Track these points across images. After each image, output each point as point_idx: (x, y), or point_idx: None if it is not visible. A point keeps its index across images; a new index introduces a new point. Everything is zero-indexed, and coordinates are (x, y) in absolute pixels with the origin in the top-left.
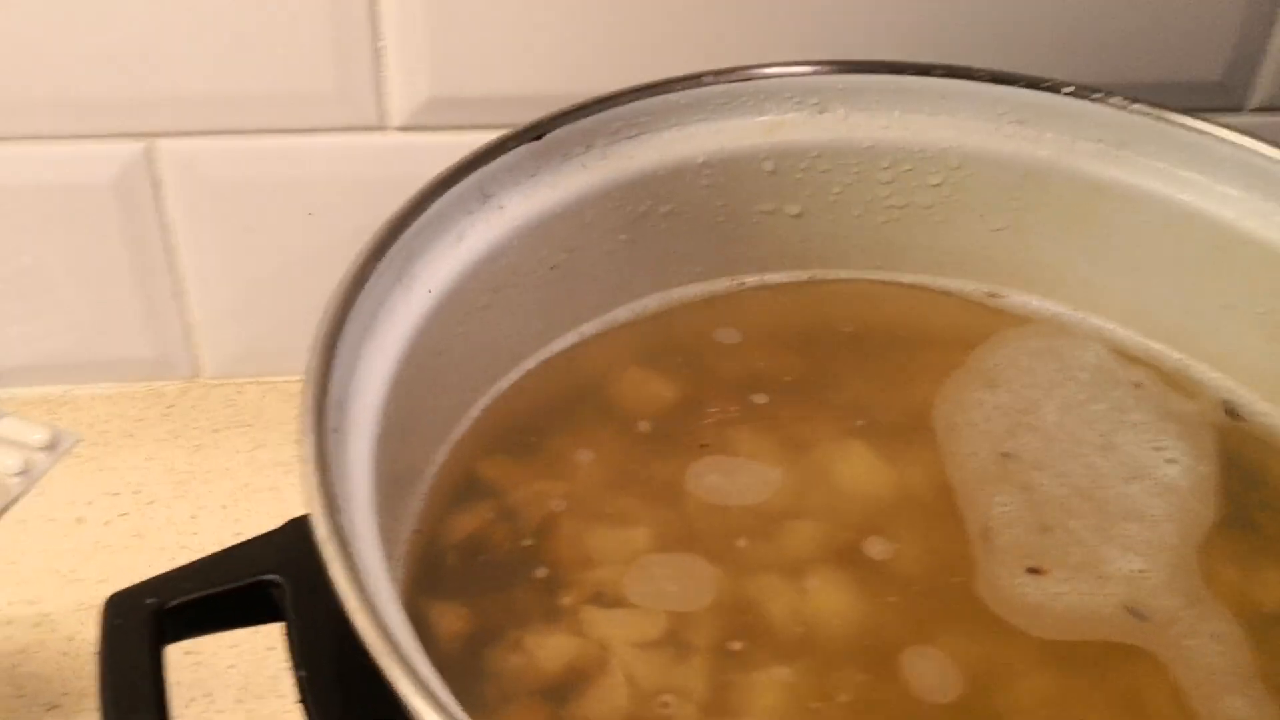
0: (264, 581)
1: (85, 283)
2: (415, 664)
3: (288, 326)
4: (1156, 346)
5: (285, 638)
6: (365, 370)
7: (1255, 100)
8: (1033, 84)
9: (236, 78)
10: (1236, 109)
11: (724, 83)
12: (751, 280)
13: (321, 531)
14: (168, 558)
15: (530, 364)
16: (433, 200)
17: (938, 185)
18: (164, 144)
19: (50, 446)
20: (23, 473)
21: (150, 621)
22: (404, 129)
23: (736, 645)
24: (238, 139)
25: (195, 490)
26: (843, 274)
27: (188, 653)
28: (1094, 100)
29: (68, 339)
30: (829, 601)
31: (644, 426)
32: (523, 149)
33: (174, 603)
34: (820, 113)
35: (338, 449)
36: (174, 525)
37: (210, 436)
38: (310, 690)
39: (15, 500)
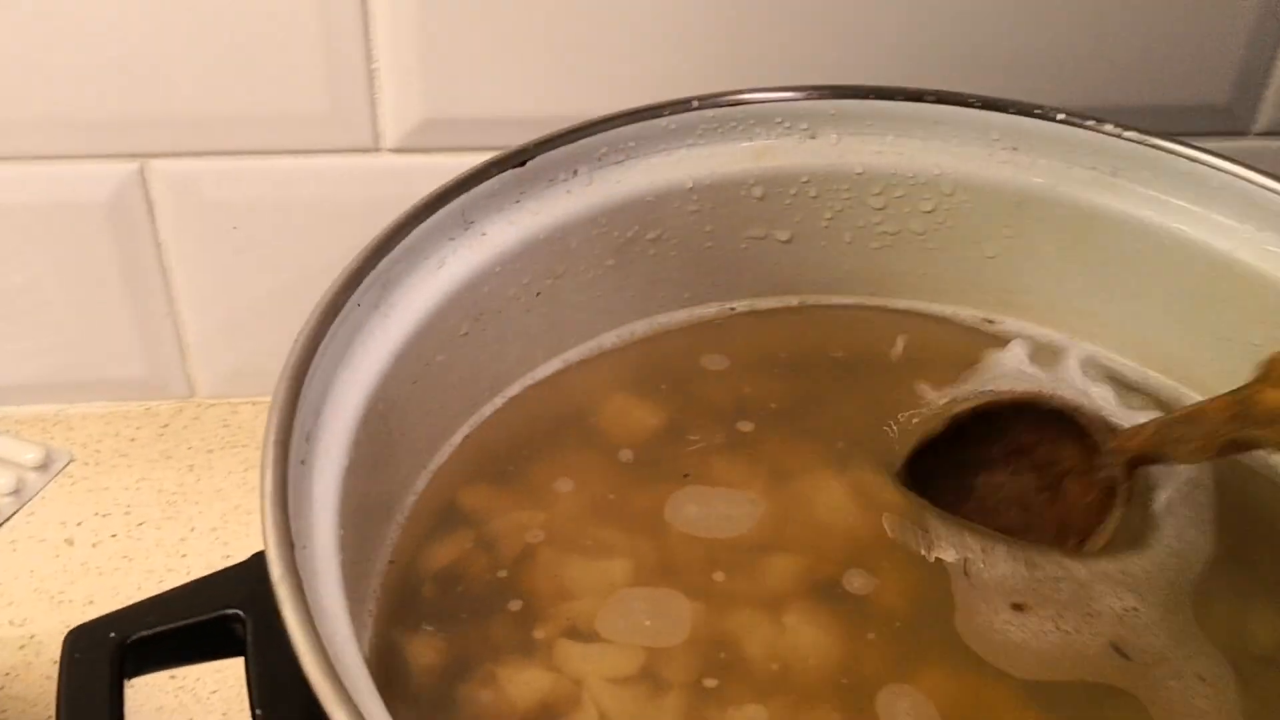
0: (226, 616)
1: (79, 302)
2: (366, 711)
3: (282, 347)
4: (1154, 375)
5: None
6: (337, 400)
7: (1260, 124)
8: (1025, 111)
9: (230, 98)
10: (1241, 133)
11: (712, 107)
12: (741, 306)
13: (276, 571)
14: (155, 580)
15: (513, 391)
16: (413, 227)
17: (931, 212)
18: (158, 164)
19: (43, 466)
20: (14, 492)
21: (112, 655)
22: (398, 150)
23: (711, 682)
24: (231, 160)
25: (186, 512)
26: (834, 300)
27: (171, 677)
28: (1087, 128)
29: (61, 358)
30: (806, 637)
31: (626, 455)
32: (507, 175)
33: (135, 636)
34: (811, 138)
35: (303, 482)
36: (163, 548)
37: (203, 457)
38: None
39: (6, 520)
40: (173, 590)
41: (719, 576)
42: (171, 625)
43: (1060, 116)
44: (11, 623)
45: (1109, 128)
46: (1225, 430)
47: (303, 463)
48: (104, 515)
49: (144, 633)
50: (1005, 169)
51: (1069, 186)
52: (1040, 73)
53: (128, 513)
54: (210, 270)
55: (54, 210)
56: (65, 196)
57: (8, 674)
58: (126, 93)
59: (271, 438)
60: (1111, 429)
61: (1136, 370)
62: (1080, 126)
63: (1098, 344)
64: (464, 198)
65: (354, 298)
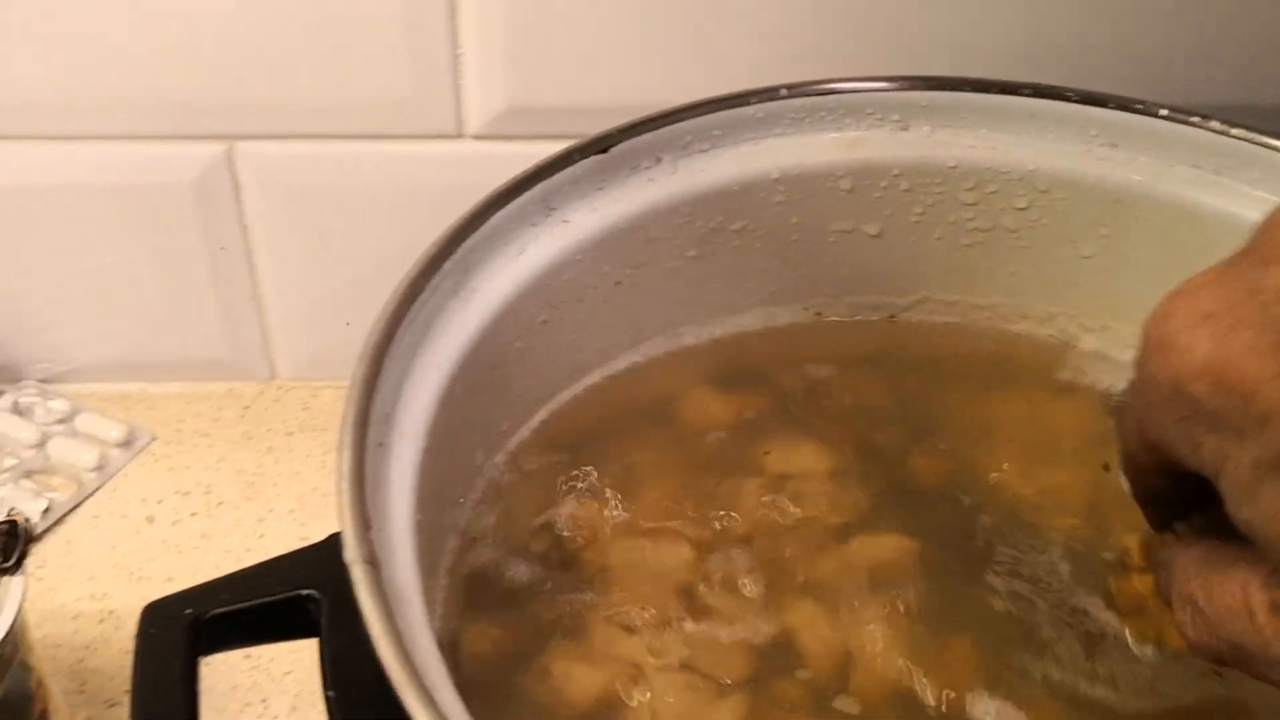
0: (301, 596)
1: (165, 283)
2: (439, 697)
3: (362, 332)
4: None
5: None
6: (415, 383)
7: None
8: (1126, 105)
9: (315, 83)
10: None
11: (801, 96)
12: (827, 302)
13: (351, 551)
14: (233, 560)
15: (590, 381)
16: (493, 212)
17: (1024, 209)
18: (244, 147)
19: (126, 443)
20: (98, 468)
21: (186, 631)
22: (480, 137)
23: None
24: (315, 143)
25: (265, 493)
26: (922, 297)
27: (246, 656)
28: (1191, 124)
29: (147, 338)
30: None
31: (702, 448)
32: (589, 161)
33: (211, 613)
34: (902, 129)
35: (380, 464)
36: (241, 528)
37: (283, 439)
38: (338, 712)
39: (90, 495)
40: (248, 569)
41: (799, 576)
42: (246, 603)
43: (1163, 112)
44: (92, 596)
45: (1214, 124)
46: None
47: (380, 445)
48: (184, 494)
49: (219, 610)
50: (1103, 166)
51: (1170, 185)
52: (1139, 67)
53: (208, 492)
54: (293, 254)
55: (142, 191)
56: (153, 178)
57: (88, 647)
58: (214, 75)
59: (350, 418)
60: None
61: None
62: (1184, 123)
63: None
64: (546, 183)
65: (434, 281)
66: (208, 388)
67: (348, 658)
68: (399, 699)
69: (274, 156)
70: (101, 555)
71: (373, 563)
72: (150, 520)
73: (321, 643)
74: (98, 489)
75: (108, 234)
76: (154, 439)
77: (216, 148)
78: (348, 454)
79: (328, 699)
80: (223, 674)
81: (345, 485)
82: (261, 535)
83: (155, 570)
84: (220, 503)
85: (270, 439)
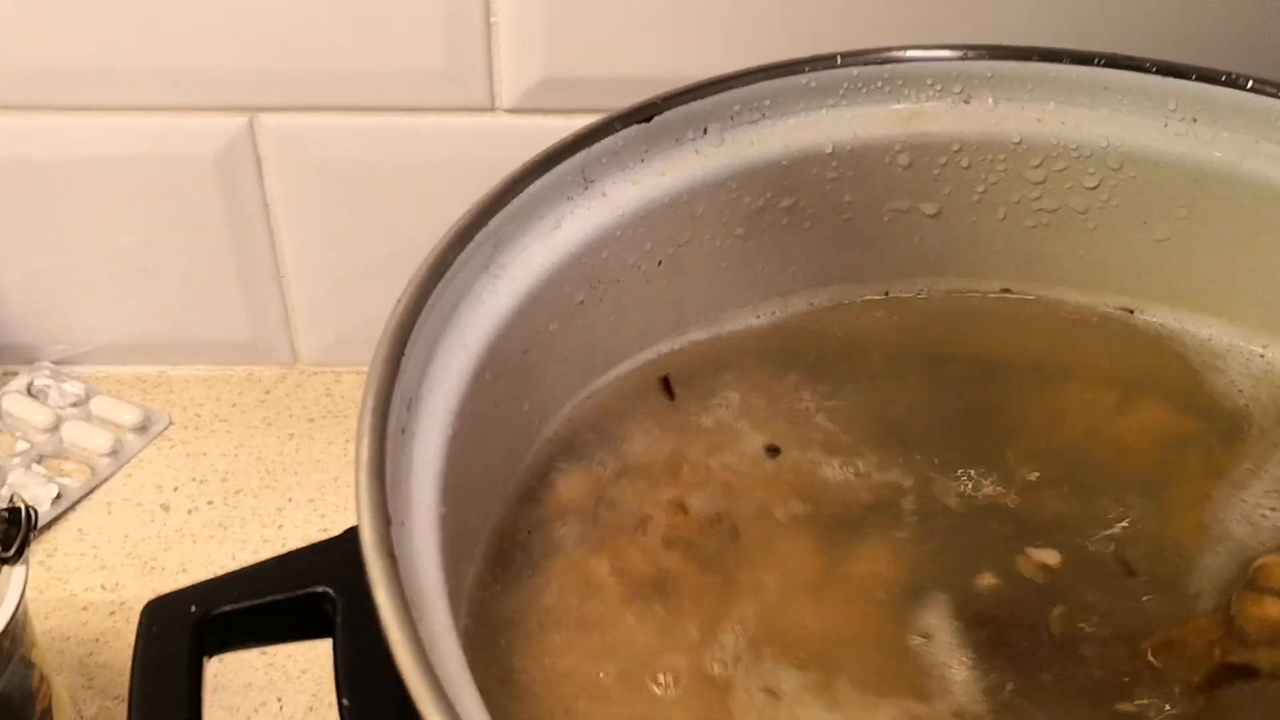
0: (316, 594)
1: (185, 262)
2: (462, 707)
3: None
4: None
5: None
6: (443, 366)
7: None
8: (1209, 77)
9: (343, 53)
10: None
11: (858, 65)
12: (882, 288)
13: (369, 548)
14: (250, 551)
15: (629, 367)
16: (528, 184)
17: (1094, 188)
18: (267, 119)
19: (142, 428)
20: (112, 453)
21: (191, 630)
22: (514, 111)
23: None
24: (342, 116)
25: (284, 481)
26: (983, 285)
27: (262, 654)
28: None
29: (166, 319)
30: None
31: (752, 440)
32: (631, 131)
33: (218, 611)
34: (964, 102)
35: (403, 452)
36: (259, 517)
37: (304, 426)
38: None
39: (103, 481)
40: (260, 564)
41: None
42: (257, 601)
43: (1249, 84)
44: (103, 587)
45: None
46: (1211, 655)
47: (403, 431)
48: (201, 481)
49: (227, 607)
50: (1182, 142)
51: (1256, 163)
52: (1223, 36)
53: (225, 480)
54: (318, 233)
55: (162, 164)
56: (173, 150)
57: (97, 640)
58: (237, 44)
59: (369, 403)
60: None
61: None
62: (1273, 96)
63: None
64: (584, 154)
65: (462, 256)
66: (228, 371)
67: (364, 662)
68: (418, 710)
69: (298, 129)
70: (114, 544)
71: (392, 561)
72: (165, 508)
73: (335, 645)
74: (111, 475)
75: (126, 211)
76: (171, 424)
77: (238, 120)
78: (367, 441)
79: (341, 707)
80: (236, 670)
81: (364, 475)
82: (280, 526)
83: (169, 561)
84: (238, 491)
85: (291, 425)
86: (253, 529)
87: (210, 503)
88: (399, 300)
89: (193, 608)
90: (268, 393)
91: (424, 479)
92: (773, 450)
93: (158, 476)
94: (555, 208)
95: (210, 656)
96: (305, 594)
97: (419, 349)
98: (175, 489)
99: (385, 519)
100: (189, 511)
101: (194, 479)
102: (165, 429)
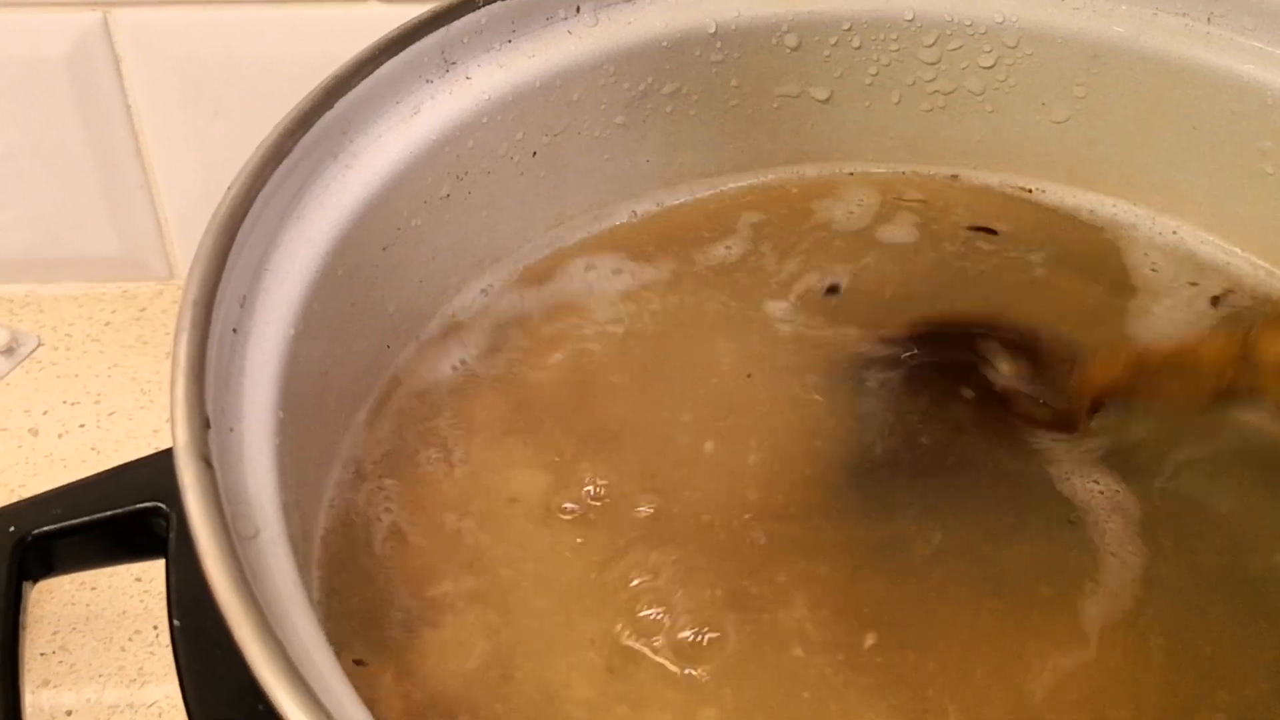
0: (146, 510)
1: (45, 173)
2: (286, 632)
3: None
4: (1243, 257)
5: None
6: (283, 261)
7: None
8: None
9: None
10: None
11: None
12: (768, 176)
13: (181, 455)
14: None
15: (505, 266)
16: (379, 63)
17: (990, 67)
18: (122, 14)
19: (8, 350)
20: None
21: (10, 553)
22: (388, 0)
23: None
24: (203, 9)
25: (161, 402)
26: (877, 169)
27: (136, 579)
28: None
29: (31, 233)
30: None
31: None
32: (494, 7)
33: (38, 531)
34: None
35: (234, 353)
36: (134, 439)
37: None
38: (183, 645)
39: None
40: (86, 479)
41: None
42: (82, 519)
43: None
44: None
45: None
46: (1220, 375)
47: (235, 330)
48: (72, 404)
49: (49, 527)
50: (1079, 17)
51: (1154, 37)
52: None
53: (98, 402)
54: (187, 137)
55: (9, 65)
56: (21, 50)
57: None
58: None
59: (190, 296)
60: (1074, 358)
61: (1222, 251)
62: None
63: (1179, 220)
64: (442, 32)
65: (305, 143)
66: (100, 289)
67: (199, 579)
68: (229, 625)
69: (156, 24)
70: None
71: (206, 464)
72: (34, 433)
73: (168, 563)
74: None
75: None
76: (40, 345)
77: (90, 16)
78: (185, 339)
79: (172, 629)
80: (110, 598)
81: (180, 376)
82: (156, 448)
83: (38, 486)
84: (112, 413)
85: (168, 343)
86: (128, 451)
87: (82, 426)
88: (229, 189)
89: (11, 528)
90: (143, 310)
91: (259, 380)
92: None
93: (26, 400)
94: (413, 91)
95: (34, 582)
96: (136, 510)
97: (254, 242)
98: (45, 413)
99: (203, 422)
100: (59, 435)
101: (65, 401)
102: (34, 350)
